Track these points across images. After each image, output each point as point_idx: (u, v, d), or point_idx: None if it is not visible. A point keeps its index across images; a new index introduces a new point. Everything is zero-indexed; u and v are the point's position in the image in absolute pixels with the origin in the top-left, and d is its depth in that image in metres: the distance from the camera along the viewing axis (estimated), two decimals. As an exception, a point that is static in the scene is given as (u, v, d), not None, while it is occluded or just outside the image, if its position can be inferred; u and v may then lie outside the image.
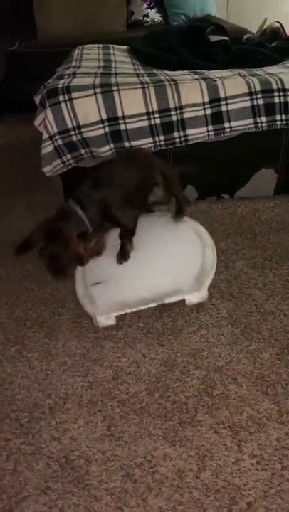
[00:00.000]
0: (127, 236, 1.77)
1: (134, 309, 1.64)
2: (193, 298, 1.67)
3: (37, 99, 2.27)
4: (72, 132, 2.12)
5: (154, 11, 4.45)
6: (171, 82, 2.13)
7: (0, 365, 1.52)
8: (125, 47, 3.17)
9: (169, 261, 1.79)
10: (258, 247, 2.06)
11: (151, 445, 1.25)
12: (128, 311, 1.64)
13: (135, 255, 1.76)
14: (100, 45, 3.14)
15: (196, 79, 2.18)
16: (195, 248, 1.82)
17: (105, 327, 1.63)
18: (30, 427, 1.31)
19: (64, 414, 1.34)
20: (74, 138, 2.13)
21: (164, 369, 1.47)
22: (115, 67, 2.52)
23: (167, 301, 1.65)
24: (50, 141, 2.14)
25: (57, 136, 2.13)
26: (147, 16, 4.47)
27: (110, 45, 3.17)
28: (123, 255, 1.76)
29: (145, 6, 4.46)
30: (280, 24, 3.05)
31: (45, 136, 2.14)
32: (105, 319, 1.63)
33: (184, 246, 1.84)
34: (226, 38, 2.88)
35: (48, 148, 2.15)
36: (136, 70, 2.51)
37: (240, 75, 2.23)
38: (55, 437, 1.28)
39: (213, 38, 2.87)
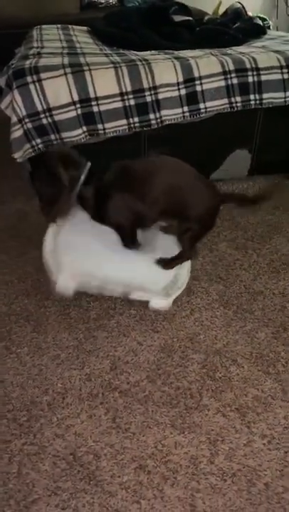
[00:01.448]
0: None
1: (98, 285, 1.56)
2: (157, 303, 1.58)
3: (1, 81, 2.13)
4: (43, 115, 2.01)
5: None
6: (144, 62, 2.07)
7: (-12, 364, 1.42)
8: (85, 28, 3.06)
9: (145, 259, 1.71)
10: (238, 228, 2.05)
11: (160, 434, 1.21)
12: (92, 282, 1.55)
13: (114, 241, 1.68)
14: (59, 26, 3.02)
15: (169, 58, 2.13)
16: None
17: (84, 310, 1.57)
18: (30, 426, 1.24)
19: (65, 410, 1.28)
20: (44, 121, 2.02)
21: (163, 355, 1.44)
22: (81, 48, 2.41)
23: (132, 296, 1.58)
24: (19, 125, 2.02)
25: (26, 120, 2.01)
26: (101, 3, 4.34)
27: (69, 26, 3.05)
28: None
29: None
30: (242, 5, 3.04)
31: (13, 119, 2.02)
32: (67, 281, 1.53)
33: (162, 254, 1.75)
34: (190, 18, 2.83)
35: (17, 132, 2.03)
36: (102, 51, 2.41)
37: (212, 54, 2.20)
38: (59, 434, 1.22)
39: (177, 18, 2.82)
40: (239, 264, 1.82)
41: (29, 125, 2.02)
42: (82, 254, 1.59)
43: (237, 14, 2.96)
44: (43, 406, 1.29)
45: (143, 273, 1.62)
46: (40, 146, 2.08)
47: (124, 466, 1.14)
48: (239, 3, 3.05)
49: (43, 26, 2.99)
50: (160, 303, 1.58)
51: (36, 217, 2.12)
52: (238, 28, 2.77)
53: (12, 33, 3.32)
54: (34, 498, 1.08)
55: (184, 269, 1.67)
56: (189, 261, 1.68)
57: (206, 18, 3.12)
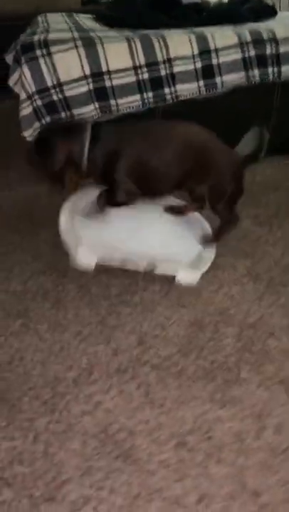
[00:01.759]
0: (106, 200, 1.51)
1: (121, 258, 1.46)
2: (184, 277, 1.48)
3: (9, 58, 2.05)
4: (53, 91, 1.92)
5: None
6: (158, 35, 1.98)
7: (5, 342, 1.31)
8: (89, 15, 2.98)
9: (171, 232, 1.61)
10: (260, 205, 1.96)
11: (199, 409, 1.10)
12: (115, 256, 1.45)
13: (140, 212, 1.58)
14: (63, 13, 2.94)
15: (183, 32, 2.05)
16: (197, 236, 1.62)
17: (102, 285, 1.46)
18: (54, 403, 1.13)
19: (92, 386, 1.17)
20: (54, 97, 1.93)
21: (193, 330, 1.33)
22: (88, 27, 2.33)
23: (157, 271, 1.47)
24: (28, 102, 1.93)
25: (36, 96, 1.92)
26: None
27: (73, 13, 2.98)
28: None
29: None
30: (249, -12, 2.97)
31: (22, 96, 1.93)
32: (87, 254, 1.44)
33: (187, 229, 1.63)
34: (198, 1, 2.76)
35: (26, 109, 1.94)
36: (111, 30, 2.33)
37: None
38: (87, 411, 1.10)
39: (185, 0, 2.75)
40: (264, 240, 1.73)
41: (39, 102, 1.93)
42: (104, 227, 1.49)
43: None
44: (67, 383, 1.18)
45: (169, 245, 1.52)
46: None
47: (162, 444, 1.03)
48: (247, -14, 2.97)
49: (48, 13, 2.91)
50: (188, 277, 1.48)
51: (46, 201, 2.02)
52: (248, 9, 2.69)
53: (12, 25, 3.24)
54: (64, 478, 0.97)
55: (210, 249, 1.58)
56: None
57: (213, 2, 3.05)
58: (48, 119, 1.97)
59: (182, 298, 1.45)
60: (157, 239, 1.54)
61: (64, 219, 1.53)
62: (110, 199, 1.52)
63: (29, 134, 1.98)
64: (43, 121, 1.97)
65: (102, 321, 1.37)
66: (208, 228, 1.64)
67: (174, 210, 1.69)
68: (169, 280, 1.51)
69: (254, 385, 1.16)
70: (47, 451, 1.02)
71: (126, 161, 1.45)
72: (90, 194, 1.60)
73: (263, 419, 1.08)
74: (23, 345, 1.30)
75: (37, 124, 1.98)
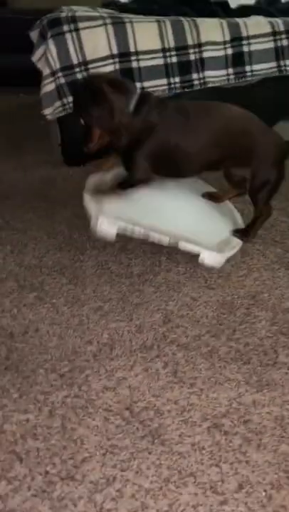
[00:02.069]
0: (123, 183, 1.40)
1: (143, 232, 1.36)
2: (208, 257, 1.38)
3: (33, 35, 1.98)
4: (78, 69, 1.86)
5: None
6: (189, 19, 1.93)
7: (18, 313, 1.20)
8: (112, 10, 2.95)
9: (198, 214, 1.51)
10: (286, 198, 1.86)
11: (234, 391, 0.99)
12: (136, 229, 1.35)
13: (169, 191, 1.49)
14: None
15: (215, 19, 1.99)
16: (226, 222, 1.54)
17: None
18: (73, 377, 1.01)
19: (114, 362, 1.05)
20: (79, 75, 1.87)
21: (224, 311, 1.22)
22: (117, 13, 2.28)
23: (180, 246, 1.37)
24: (51, 78, 1.86)
25: (59, 73, 1.85)
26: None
27: (97, 7, 2.94)
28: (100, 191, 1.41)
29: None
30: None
31: (46, 72, 1.86)
32: (108, 225, 1.35)
33: (217, 214, 1.53)
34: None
35: (48, 86, 1.87)
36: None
37: (258, 18, 2.07)
38: (109, 387, 0.99)
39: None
40: (295, 230, 1.63)
41: (62, 80, 1.87)
42: (127, 199, 1.40)
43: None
44: (87, 356, 1.07)
45: (196, 225, 1.42)
46: (71, 105, 1.90)
47: (195, 425, 0.91)
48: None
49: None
50: (212, 258, 1.37)
51: (62, 183, 1.94)
52: (276, 9, 2.66)
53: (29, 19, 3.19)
54: (85, 456, 0.85)
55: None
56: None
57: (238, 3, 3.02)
58: (70, 99, 1.89)
59: (210, 280, 1.35)
60: (182, 219, 1.43)
61: (90, 186, 1.44)
62: (129, 179, 1.40)
63: (49, 112, 1.91)
64: (65, 101, 1.90)
65: (124, 298, 1.26)
66: (239, 219, 1.54)
67: (210, 197, 1.57)
68: (194, 262, 1.41)
69: (294, 370, 1.04)
70: (65, 426, 0.91)
71: (152, 143, 1.35)
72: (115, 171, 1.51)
73: (306, 405, 0.96)
74: (38, 317, 1.19)
75: (58, 103, 1.90)
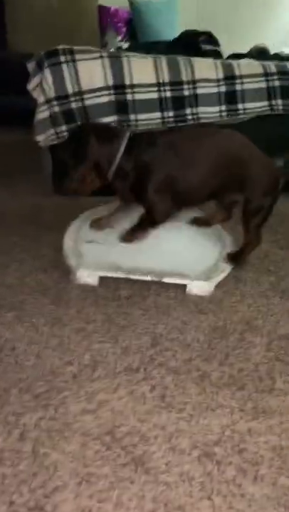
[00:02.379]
0: (147, 223, 1.39)
1: (126, 276, 1.32)
2: (195, 287, 1.33)
3: (30, 66, 2.00)
4: (73, 98, 1.86)
5: (128, 44, 4.46)
6: (184, 58, 1.97)
7: (-6, 330, 1.11)
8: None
9: (180, 245, 1.47)
10: (278, 233, 1.83)
11: (227, 418, 0.89)
12: (120, 275, 1.32)
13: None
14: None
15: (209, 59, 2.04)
16: (213, 246, 1.50)
17: (106, 295, 1.29)
18: (49, 397, 0.91)
19: (96, 383, 0.96)
20: (74, 105, 1.87)
21: (216, 336, 1.14)
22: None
23: (166, 280, 1.33)
24: (46, 106, 1.86)
25: (54, 102, 1.86)
26: (121, 48, 4.47)
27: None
28: (127, 238, 1.39)
29: (119, 38, 4.47)
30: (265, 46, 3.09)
31: (40, 100, 1.86)
32: (87, 275, 1.31)
33: (201, 240, 1.51)
34: (218, 49, 2.84)
35: (42, 114, 1.87)
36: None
37: (250, 61, 2.13)
38: (89, 410, 0.89)
39: (206, 47, 2.82)
40: (288, 262, 1.58)
41: (56, 108, 1.86)
42: (107, 245, 1.36)
43: (261, 52, 2.99)
44: (66, 377, 0.97)
45: (179, 257, 1.38)
46: (65, 133, 1.90)
47: (183, 453, 0.81)
48: (263, 44, 3.09)
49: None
50: (200, 287, 1.31)
51: (53, 210, 1.90)
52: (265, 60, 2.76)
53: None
54: (57, 485, 0.74)
55: (226, 252, 1.45)
56: (231, 243, 1.49)
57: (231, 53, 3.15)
58: (64, 127, 1.89)
59: (201, 305, 1.28)
60: (165, 254, 1.39)
61: (68, 239, 1.41)
62: (152, 218, 1.37)
63: (42, 139, 1.89)
64: (58, 129, 1.89)
65: (109, 319, 1.18)
66: (228, 240, 1.51)
67: (199, 222, 1.55)
68: (185, 288, 1.34)
69: (292, 397, 0.96)
70: (36, 451, 0.80)
71: (157, 177, 1.32)
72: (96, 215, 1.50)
73: (307, 434, 0.87)
74: (16, 336, 1.10)
75: (51, 131, 1.89)
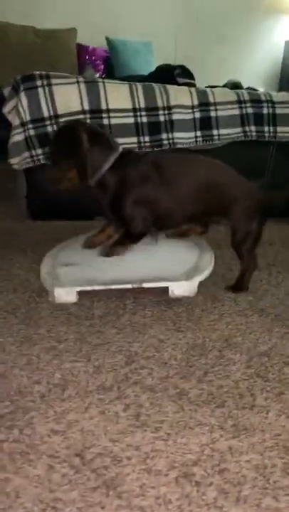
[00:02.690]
0: (126, 239, 1.36)
1: (105, 287, 1.29)
2: (177, 288, 1.32)
3: (6, 91, 2.00)
4: (48, 122, 1.86)
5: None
6: (159, 85, 2.01)
7: None
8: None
9: (157, 252, 1.46)
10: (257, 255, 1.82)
11: (207, 436, 0.83)
12: (97, 288, 1.28)
13: None
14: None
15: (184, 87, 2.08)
16: (190, 251, 1.49)
17: (85, 313, 1.23)
18: (14, 418, 0.84)
19: (65, 403, 0.89)
20: (49, 128, 1.86)
21: (194, 353, 1.09)
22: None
23: (146, 285, 1.30)
24: (21, 129, 1.85)
25: (29, 125, 1.85)
26: (98, 83, 4.57)
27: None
28: (108, 253, 1.36)
29: (97, 75, 4.57)
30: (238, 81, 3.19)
31: (15, 122, 1.85)
32: (65, 294, 1.27)
33: (178, 246, 1.51)
34: (193, 82, 2.91)
35: (17, 137, 1.85)
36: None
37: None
38: (58, 431, 0.82)
39: (181, 80, 2.89)
40: (266, 282, 1.56)
41: (32, 132, 1.86)
42: (83, 264, 1.33)
43: (236, 87, 3.08)
44: (34, 397, 0.90)
45: (158, 264, 1.35)
46: (40, 157, 1.89)
47: (160, 474, 0.74)
48: (237, 79, 3.20)
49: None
50: (182, 287, 1.31)
51: (25, 234, 1.85)
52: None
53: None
54: (19, 512, 0.66)
55: (207, 254, 1.46)
56: (210, 248, 1.52)
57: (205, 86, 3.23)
58: (39, 151, 1.88)
59: (179, 323, 1.23)
60: (143, 263, 1.37)
61: (45, 266, 1.39)
62: (129, 236, 1.35)
63: (16, 162, 1.87)
64: (33, 152, 1.88)
65: (82, 338, 1.12)
66: (205, 244, 1.52)
67: (176, 234, 1.54)
68: (162, 306, 1.30)
69: (274, 413, 0.90)
70: (-4, 475, 0.72)
71: (136, 193, 1.31)
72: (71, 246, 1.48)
73: (291, 452, 0.81)
74: (-20, 355, 1.02)
75: (26, 154, 1.88)
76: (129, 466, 0.76)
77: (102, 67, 4.01)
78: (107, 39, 3.88)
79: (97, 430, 0.82)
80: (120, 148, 1.32)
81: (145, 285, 1.27)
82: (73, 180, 1.29)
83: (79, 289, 1.28)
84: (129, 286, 1.28)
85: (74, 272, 1.33)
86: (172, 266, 1.36)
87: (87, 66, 4.08)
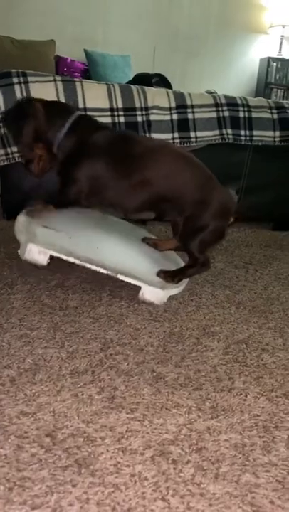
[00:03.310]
0: (57, 197, 1.28)
1: (79, 262, 1.23)
2: (150, 292, 1.25)
3: (-18, 89, 1.97)
4: (24, 120, 1.83)
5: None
6: (137, 86, 2.01)
7: None
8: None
9: (139, 250, 1.40)
10: (233, 255, 1.82)
11: (184, 418, 0.80)
12: (70, 259, 1.23)
13: (109, 226, 1.40)
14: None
15: (162, 89, 2.10)
16: (171, 258, 1.44)
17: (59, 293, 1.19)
18: (-19, 401, 0.79)
19: (36, 386, 0.85)
20: (25, 126, 1.83)
21: (171, 340, 1.07)
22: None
23: (120, 277, 1.25)
24: (-4, 126, 1.82)
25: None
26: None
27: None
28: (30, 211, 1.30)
29: (75, 87, 4.58)
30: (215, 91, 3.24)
31: (-10, 119, 1.82)
32: (37, 252, 1.22)
33: (160, 255, 1.41)
34: (170, 90, 2.94)
35: (-8, 133, 1.82)
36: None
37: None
38: (27, 413, 0.77)
39: (159, 88, 2.92)
40: (244, 278, 1.55)
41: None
42: (63, 233, 1.27)
43: (212, 97, 3.13)
44: (3, 381, 0.85)
45: (136, 261, 1.30)
46: (15, 155, 1.86)
47: (135, 453, 0.71)
48: (213, 90, 3.25)
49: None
50: (154, 293, 1.25)
51: None
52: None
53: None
54: (-17, 491, 0.61)
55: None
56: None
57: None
58: (14, 148, 1.85)
59: (155, 314, 1.20)
60: (122, 254, 1.30)
61: (22, 217, 1.32)
62: (60, 196, 1.28)
63: (-8, 158, 1.83)
64: (9, 150, 1.85)
65: (55, 327, 1.08)
66: (181, 262, 1.43)
67: (149, 242, 1.46)
68: (138, 299, 1.27)
69: (253, 395, 0.88)
70: None
71: (81, 167, 1.26)
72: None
73: (270, 431, 0.79)
74: None
75: (1, 151, 1.84)
76: (103, 446, 0.72)
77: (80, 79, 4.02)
78: (86, 52, 3.91)
79: (70, 412, 0.78)
80: (77, 112, 1.30)
81: (120, 277, 1.24)
82: (45, 161, 1.26)
83: (54, 253, 1.22)
84: (103, 271, 1.23)
85: (52, 236, 1.26)
86: (150, 267, 1.29)
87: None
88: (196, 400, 0.85)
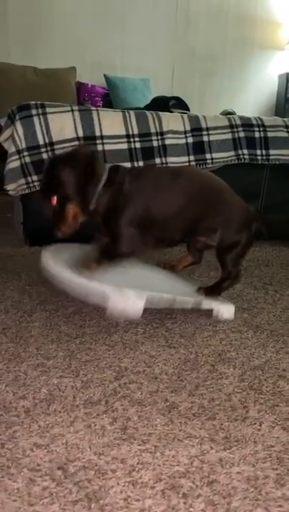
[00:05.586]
0: (107, 255, 1.29)
1: (172, 298, 1.29)
2: (226, 311, 1.36)
3: (2, 120, 2.05)
4: (43, 149, 1.89)
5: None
6: (152, 112, 2.05)
7: None
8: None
9: (177, 279, 1.46)
10: (253, 275, 1.81)
11: (196, 449, 0.80)
12: (164, 297, 1.27)
13: (138, 272, 1.42)
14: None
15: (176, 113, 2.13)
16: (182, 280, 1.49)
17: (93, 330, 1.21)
18: (-4, 433, 0.81)
19: (50, 417, 0.86)
20: (45, 155, 1.90)
21: (185, 368, 1.07)
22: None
23: (204, 305, 1.34)
24: (16, 156, 1.88)
25: (25, 153, 1.88)
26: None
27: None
28: (83, 267, 1.24)
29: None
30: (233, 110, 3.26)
31: (11, 150, 1.89)
32: (134, 297, 1.19)
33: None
34: (188, 112, 2.98)
35: (13, 163, 1.89)
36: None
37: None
38: (40, 445, 0.79)
39: (176, 111, 2.96)
40: (263, 300, 1.54)
41: (27, 159, 1.89)
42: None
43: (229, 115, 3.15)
44: (18, 412, 0.87)
45: (185, 289, 1.40)
46: (36, 183, 1.92)
47: (146, 486, 0.71)
48: (231, 109, 3.27)
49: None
50: (230, 310, 1.36)
51: (20, 259, 1.86)
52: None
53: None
54: (-6, 526, 0.63)
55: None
56: None
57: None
58: (35, 177, 1.91)
59: (171, 340, 1.21)
60: (173, 289, 1.36)
61: (47, 260, 1.30)
62: (115, 249, 1.30)
63: (12, 188, 1.90)
64: (29, 179, 1.91)
65: (71, 355, 1.10)
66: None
67: (165, 265, 1.52)
68: (155, 323, 1.28)
69: (267, 425, 0.87)
70: (-26, 489, 0.69)
71: (132, 208, 1.29)
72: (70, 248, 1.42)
73: (285, 462, 0.78)
74: None
75: (22, 181, 1.90)
76: (114, 479, 0.72)
77: (100, 103, 4.12)
78: (106, 76, 4.00)
79: (82, 444, 0.79)
80: (107, 166, 1.33)
81: (205, 306, 1.33)
82: (77, 218, 1.27)
83: (148, 293, 1.22)
84: (189, 305, 1.31)
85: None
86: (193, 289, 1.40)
87: (85, 103, 4.20)
88: (208, 430, 0.85)
